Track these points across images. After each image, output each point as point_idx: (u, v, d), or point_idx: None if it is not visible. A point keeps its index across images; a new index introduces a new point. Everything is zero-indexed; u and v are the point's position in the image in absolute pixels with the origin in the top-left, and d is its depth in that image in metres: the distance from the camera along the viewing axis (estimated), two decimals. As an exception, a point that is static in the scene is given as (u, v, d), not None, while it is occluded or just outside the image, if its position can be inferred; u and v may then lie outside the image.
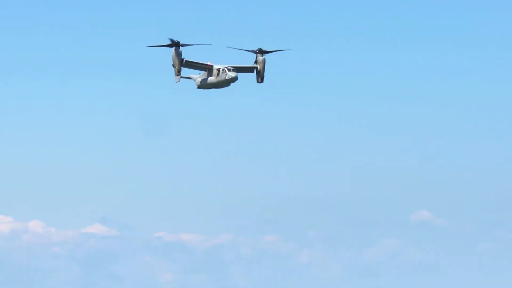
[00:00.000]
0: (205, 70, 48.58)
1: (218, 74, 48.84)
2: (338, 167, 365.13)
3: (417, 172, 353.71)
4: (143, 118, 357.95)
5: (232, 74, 47.40)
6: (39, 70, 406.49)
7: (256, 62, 47.23)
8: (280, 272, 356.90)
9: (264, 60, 46.18)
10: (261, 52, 47.06)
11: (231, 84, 47.66)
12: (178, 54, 46.26)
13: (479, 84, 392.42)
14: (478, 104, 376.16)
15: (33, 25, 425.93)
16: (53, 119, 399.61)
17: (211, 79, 47.87)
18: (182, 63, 46.37)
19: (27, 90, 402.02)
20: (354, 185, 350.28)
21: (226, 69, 47.96)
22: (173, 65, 47.08)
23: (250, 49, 45.36)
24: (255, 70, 47.14)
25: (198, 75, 48.13)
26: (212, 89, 47.68)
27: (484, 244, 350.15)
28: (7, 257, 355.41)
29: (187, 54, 44.86)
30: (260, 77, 46.26)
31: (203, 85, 47.87)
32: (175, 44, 44.77)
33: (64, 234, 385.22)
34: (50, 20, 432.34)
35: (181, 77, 47.44)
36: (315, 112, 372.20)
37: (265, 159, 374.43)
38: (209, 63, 46.69)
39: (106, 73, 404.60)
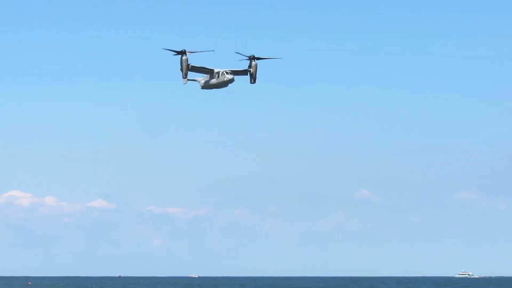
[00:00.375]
0: (208, 73, 56.51)
1: (218, 77, 56.97)
2: (297, 153, 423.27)
3: (358, 158, 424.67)
4: (152, 114, 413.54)
5: (229, 76, 56.56)
6: (64, 74, 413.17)
7: (249, 66, 54.64)
8: (247, 239, 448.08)
9: (256, 65, 54.89)
10: (254, 58, 53.04)
11: (229, 84, 56.30)
12: (185, 60, 53.16)
13: (405, 84, 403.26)
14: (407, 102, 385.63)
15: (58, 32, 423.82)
16: (68, 115, 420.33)
17: (213, 80, 56.73)
18: (188, 68, 54.01)
19: (55, 91, 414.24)
20: (308, 168, 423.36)
21: (224, 72, 56.67)
22: (181, 70, 53.82)
23: (245, 56, 49.76)
24: (248, 73, 55.01)
25: (201, 78, 55.61)
26: (214, 89, 56.56)
27: (413, 217, 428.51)
28: (27, 225, 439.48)
29: (192, 60, 53.26)
30: (253, 79, 52.27)
31: (206, 85, 57.16)
32: (182, 53, 50.51)
33: (73, 207, 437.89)
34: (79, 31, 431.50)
35: (188, 79, 55.08)
36: (287, 108, 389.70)
37: (239, 147, 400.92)
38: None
39: (123, 75, 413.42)
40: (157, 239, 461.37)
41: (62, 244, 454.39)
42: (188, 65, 56.05)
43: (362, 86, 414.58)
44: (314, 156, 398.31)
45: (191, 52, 55.16)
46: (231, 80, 58.10)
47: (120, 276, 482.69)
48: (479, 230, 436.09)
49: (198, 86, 59.09)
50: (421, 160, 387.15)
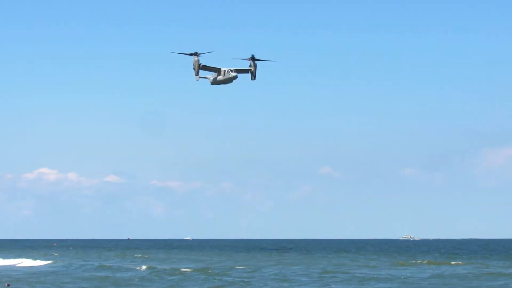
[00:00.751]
0: (216, 72, 55.25)
1: (224, 74, 54.96)
2: (272, 137, 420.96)
3: (321, 140, 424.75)
4: (167, 105, 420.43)
5: (233, 74, 53.85)
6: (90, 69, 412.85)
7: (250, 66, 53.48)
8: (232, 207, 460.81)
9: (256, 65, 53.05)
10: (253, 59, 53.57)
11: (233, 81, 54.25)
12: (197, 60, 52.55)
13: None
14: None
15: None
16: (87, 105, 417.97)
17: (220, 77, 54.37)
18: (199, 67, 52.78)
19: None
20: (281, 149, 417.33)
21: (229, 70, 54.26)
22: (194, 68, 53.41)
23: (248, 57, 51.83)
24: (249, 71, 53.23)
25: (211, 75, 54.59)
26: (221, 85, 54.63)
27: (366, 189, 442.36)
28: (53, 196, 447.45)
29: (202, 61, 51.31)
30: (253, 76, 52.34)
31: (214, 82, 54.51)
32: (195, 54, 51.16)
33: (91, 181, 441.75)
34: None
35: (200, 77, 53.78)
36: (275, 100, 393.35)
37: (232, 132, 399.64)
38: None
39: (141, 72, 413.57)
40: (159, 208, 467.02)
41: (81, 212, 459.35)
42: (200, 64, 54.30)
43: (321, 71, 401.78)
44: (285, 139, 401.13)
45: (202, 53, 53.67)
46: (235, 77, 55.99)
47: (128, 238, 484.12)
48: (419, 200, 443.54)
49: (208, 82, 56.69)
50: (372, 142, 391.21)
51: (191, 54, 53.58)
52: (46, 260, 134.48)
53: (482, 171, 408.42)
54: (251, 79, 55.16)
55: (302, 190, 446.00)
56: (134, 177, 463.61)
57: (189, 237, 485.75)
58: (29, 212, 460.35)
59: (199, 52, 53.67)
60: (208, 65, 54.82)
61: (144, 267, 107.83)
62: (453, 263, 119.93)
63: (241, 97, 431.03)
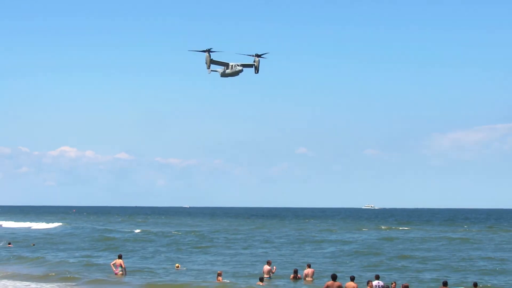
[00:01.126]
0: (224, 66, 54.90)
1: (231, 68, 54.41)
2: (256, 120, 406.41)
3: (297, 124, 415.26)
4: (179, 94, 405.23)
5: (239, 68, 52.82)
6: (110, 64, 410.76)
7: (254, 61, 53.37)
8: (222, 181, 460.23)
9: (259, 60, 52.54)
10: (257, 55, 53.38)
11: (240, 74, 54.02)
12: (208, 56, 52.22)
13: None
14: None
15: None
16: (101, 92, 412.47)
17: (228, 71, 53.48)
18: (211, 62, 52.51)
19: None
20: (263, 132, 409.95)
21: (236, 65, 53.52)
22: (206, 63, 53.12)
23: (253, 54, 52.10)
24: (254, 66, 53.02)
25: (220, 69, 54.09)
26: (229, 77, 54.28)
27: (335, 166, 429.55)
28: (73, 170, 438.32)
29: (213, 56, 51.44)
30: (257, 70, 51.91)
31: (223, 75, 53.68)
32: (208, 51, 51.07)
33: (105, 158, 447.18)
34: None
35: (211, 70, 53.68)
36: (272, 91, 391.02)
37: (229, 117, 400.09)
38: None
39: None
40: (161, 180, 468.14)
41: (97, 184, 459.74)
42: (211, 59, 53.22)
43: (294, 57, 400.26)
44: (268, 123, 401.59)
45: (213, 51, 52.55)
46: (241, 71, 54.56)
47: (136, 206, 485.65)
48: (379, 175, 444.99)
49: (218, 75, 54.96)
50: (340, 127, 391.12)
51: (204, 51, 52.53)
52: (59, 223, 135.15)
53: (431, 152, 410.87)
54: (255, 72, 54.11)
55: (282, 167, 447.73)
56: (141, 154, 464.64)
57: (186, 205, 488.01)
58: (53, 183, 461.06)
59: (211, 49, 52.63)
60: (218, 60, 53.62)
61: (137, 230, 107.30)
62: (406, 228, 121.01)
63: (241, 88, 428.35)
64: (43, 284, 42.78)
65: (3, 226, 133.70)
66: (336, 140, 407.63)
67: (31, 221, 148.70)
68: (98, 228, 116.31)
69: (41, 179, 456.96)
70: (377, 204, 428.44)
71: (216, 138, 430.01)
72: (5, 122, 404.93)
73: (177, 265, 50.30)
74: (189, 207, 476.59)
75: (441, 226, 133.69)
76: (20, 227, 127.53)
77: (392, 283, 36.21)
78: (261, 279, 40.49)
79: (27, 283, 43.50)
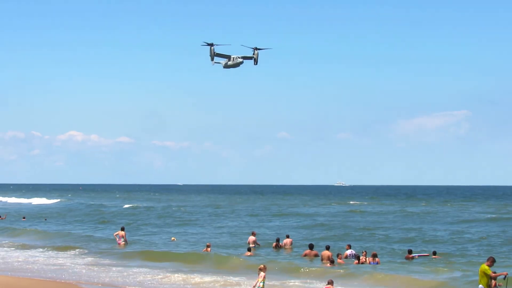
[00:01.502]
0: (227, 58, 53.49)
1: (233, 60, 52.97)
2: (242, 106, 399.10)
3: (279, 110, 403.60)
4: (185, 82, 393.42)
5: (240, 60, 51.27)
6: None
7: (253, 54, 51.93)
8: (212, 162, 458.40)
9: (258, 53, 51.24)
10: (256, 48, 52.04)
11: (240, 65, 52.65)
12: (212, 49, 50.95)
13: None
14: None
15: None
16: (112, 77, 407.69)
17: (229, 63, 51.90)
18: (214, 54, 51.10)
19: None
20: (249, 116, 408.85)
21: (237, 57, 52.23)
22: (210, 55, 51.99)
23: (252, 47, 50.62)
24: (253, 58, 51.59)
25: (223, 61, 52.46)
26: (231, 68, 52.63)
27: (312, 149, 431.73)
28: (80, 152, 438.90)
29: (217, 49, 50.08)
30: (256, 62, 50.51)
31: (226, 66, 52.04)
32: (211, 44, 49.93)
33: (107, 141, 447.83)
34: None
35: (215, 62, 52.24)
36: (267, 81, 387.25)
37: (224, 104, 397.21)
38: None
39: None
40: (158, 161, 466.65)
41: (101, 164, 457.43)
42: (214, 52, 51.78)
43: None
44: (253, 110, 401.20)
45: (216, 44, 51.28)
46: (241, 63, 53.04)
47: (135, 184, 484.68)
48: (351, 156, 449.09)
49: (221, 66, 53.38)
50: (317, 113, 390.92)
51: (208, 45, 51.37)
52: (57, 199, 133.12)
53: (397, 136, 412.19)
54: (254, 64, 52.72)
55: (265, 149, 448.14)
56: (139, 138, 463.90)
57: (180, 183, 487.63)
58: (61, 164, 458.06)
59: (214, 43, 51.46)
60: (221, 53, 52.16)
61: (127, 205, 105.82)
62: (372, 202, 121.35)
63: (256, 77, 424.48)
64: (52, 253, 42.12)
65: (8, 202, 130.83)
66: (313, 125, 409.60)
67: (34, 197, 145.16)
68: (92, 203, 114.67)
69: (51, 160, 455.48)
70: (347, 182, 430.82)
71: (207, 123, 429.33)
72: (19, 109, 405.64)
73: (173, 238, 49.68)
74: (183, 184, 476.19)
75: (403, 200, 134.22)
76: (21, 203, 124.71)
77: (363, 252, 35.92)
78: (249, 249, 40.05)
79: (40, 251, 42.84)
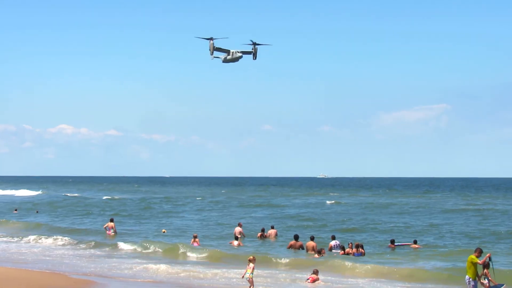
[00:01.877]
0: (226, 52, 52.41)
1: (232, 54, 51.96)
2: (226, 100, 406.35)
3: (265, 105, 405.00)
4: (185, 78, 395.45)
5: (239, 54, 50.30)
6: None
7: (252, 48, 50.87)
8: (198, 153, 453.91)
9: (256, 48, 50.24)
10: (255, 43, 51.08)
11: (240, 60, 51.56)
12: (212, 44, 49.97)
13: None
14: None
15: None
16: (102, 72, 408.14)
17: (229, 57, 50.93)
18: (214, 49, 49.94)
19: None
20: (234, 110, 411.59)
21: (236, 51, 51.29)
22: (209, 49, 50.93)
23: (251, 42, 49.40)
24: (252, 52, 50.58)
25: (222, 55, 51.46)
26: (230, 63, 51.59)
27: (294, 142, 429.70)
28: (70, 145, 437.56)
29: (216, 44, 49.11)
30: (255, 56, 49.68)
31: (225, 60, 51.02)
32: (210, 38, 49.00)
33: (97, 134, 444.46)
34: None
35: (214, 56, 51.31)
36: (265, 75, 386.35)
37: (203, 96, 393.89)
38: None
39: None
40: (145, 153, 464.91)
41: (90, 157, 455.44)
42: (214, 47, 50.75)
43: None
44: (237, 103, 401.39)
45: (215, 38, 50.17)
46: (241, 57, 52.08)
47: (123, 176, 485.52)
48: (333, 149, 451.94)
49: (220, 60, 52.37)
50: (299, 106, 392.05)
51: (207, 39, 50.41)
52: (38, 191, 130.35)
53: (377, 129, 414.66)
54: (253, 58, 51.75)
55: (249, 141, 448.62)
56: (128, 131, 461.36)
57: (167, 175, 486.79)
58: (52, 156, 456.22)
59: (214, 37, 50.49)
60: (220, 47, 51.25)
61: (105, 197, 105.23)
62: (354, 194, 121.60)
63: (255, 72, 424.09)
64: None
65: None
66: (295, 118, 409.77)
67: (22, 188, 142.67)
68: (71, 195, 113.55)
69: (42, 152, 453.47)
70: (329, 174, 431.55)
71: (193, 116, 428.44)
72: (11, 103, 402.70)
73: (163, 230, 49.34)
74: (169, 176, 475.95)
75: (384, 192, 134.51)
76: (4, 195, 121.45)
77: (349, 243, 35.70)
78: (236, 238, 39.96)
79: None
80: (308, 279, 26.62)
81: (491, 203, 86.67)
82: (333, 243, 36.54)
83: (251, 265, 23.40)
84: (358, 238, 42.55)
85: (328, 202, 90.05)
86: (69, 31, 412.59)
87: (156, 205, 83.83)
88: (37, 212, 71.14)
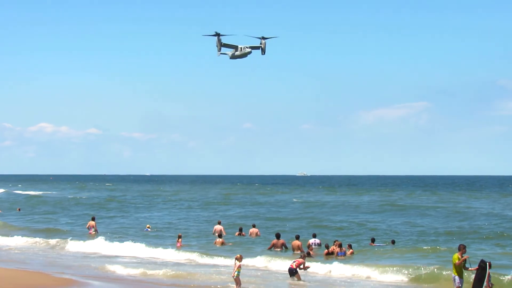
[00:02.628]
0: (234, 48, 51.07)
1: (241, 50, 50.86)
2: (209, 99, 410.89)
3: (246, 103, 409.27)
4: (191, 75, 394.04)
5: (248, 50, 49.61)
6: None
7: (261, 43, 49.77)
8: (179, 152, 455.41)
9: (265, 43, 49.18)
10: (263, 38, 49.97)
11: (248, 55, 50.44)
12: (219, 40, 48.86)
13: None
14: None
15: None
16: (83, 69, 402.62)
17: (237, 53, 49.72)
18: (221, 45, 48.84)
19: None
20: (215, 109, 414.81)
21: (245, 47, 50.14)
22: (216, 46, 49.80)
23: (259, 36, 48.45)
24: (260, 48, 49.44)
25: (229, 51, 50.23)
26: (238, 59, 50.48)
27: (276, 140, 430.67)
28: (50, 144, 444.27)
29: (224, 39, 48.00)
30: (263, 51, 48.74)
31: (233, 56, 49.96)
32: (218, 34, 47.78)
33: (77, 133, 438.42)
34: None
35: (221, 53, 50.21)
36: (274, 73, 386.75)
37: (185, 94, 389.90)
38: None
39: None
40: (127, 152, 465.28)
41: (71, 155, 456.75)
42: (221, 43, 49.39)
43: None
44: (219, 100, 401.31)
45: (223, 34, 48.94)
46: (250, 52, 50.65)
47: (105, 174, 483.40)
48: (314, 147, 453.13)
49: (227, 57, 50.99)
50: (280, 105, 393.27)
51: (214, 35, 49.01)
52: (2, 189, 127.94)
53: (358, 127, 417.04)
54: (262, 54, 50.21)
55: (230, 140, 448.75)
56: (108, 129, 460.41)
57: (148, 173, 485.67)
58: (32, 155, 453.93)
59: (221, 33, 49.05)
60: (228, 43, 49.79)
61: (71, 196, 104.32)
62: (331, 193, 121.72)
63: (265, 68, 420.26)
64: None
65: None
66: (277, 116, 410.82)
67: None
68: (35, 194, 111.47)
69: (22, 151, 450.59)
70: (310, 172, 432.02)
71: (174, 115, 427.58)
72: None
73: (147, 225, 48.98)
74: (150, 174, 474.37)
75: (365, 190, 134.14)
76: None
77: (334, 241, 35.35)
78: (219, 236, 39.66)
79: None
80: (294, 261, 26.38)
81: (453, 200, 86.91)
82: (311, 241, 36.40)
83: (238, 263, 23.24)
84: (338, 237, 42.52)
85: (295, 200, 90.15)
86: (49, 28, 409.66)
87: (133, 202, 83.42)
88: (18, 209, 70.11)
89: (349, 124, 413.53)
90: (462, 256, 21.57)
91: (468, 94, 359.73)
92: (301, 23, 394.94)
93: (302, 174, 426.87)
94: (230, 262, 29.07)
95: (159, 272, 27.98)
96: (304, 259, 26.65)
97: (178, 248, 36.57)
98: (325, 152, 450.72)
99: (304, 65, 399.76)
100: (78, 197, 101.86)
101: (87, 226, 46.38)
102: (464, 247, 21.77)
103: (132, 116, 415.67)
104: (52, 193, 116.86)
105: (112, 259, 33.60)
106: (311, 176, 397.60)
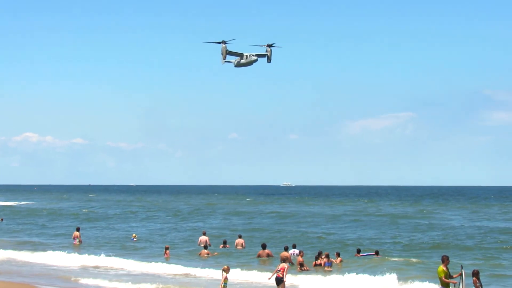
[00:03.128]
0: (239, 56, 49.81)
1: (246, 58, 49.60)
2: (198, 109, 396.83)
3: (229, 113, 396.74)
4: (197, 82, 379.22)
5: (254, 58, 48.44)
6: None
7: (266, 51, 48.56)
8: (165, 162, 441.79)
9: (271, 50, 47.88)
10: (269, 45, 48.59)
11: (254, 63, 49.18)
12: (224, 47, 47.65)
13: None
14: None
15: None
16: (70, 79, 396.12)
17: (242, 61, 48.52)
18: (226, 52, 47.72)
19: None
20: (198, 119, 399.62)
21: (251, 55, 48.92)
22: (222, 53, 48.52)
23: (264, 44, 47.18)
24: (266, 55, 48.17)
25: (234, 59, 49.02)
26: (243, 67, 49.06)
27: (261, 150, 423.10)
28: (35, 153, 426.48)
29: (229, 47, 46.82)
30: (269, 59, 47.53)
31: (238, 64, 48.65)
32: (223, 42, 46.71)
33: (63, 142, 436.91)
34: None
35: (226, 61, 49.03)
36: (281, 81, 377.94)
37: (173, 104, 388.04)
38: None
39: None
40: (112, 162, 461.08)
41: (56, 165, 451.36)
42: (227, 50, 48.29)
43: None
44: (204, 110, 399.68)
45: (228, 41, 47.86)
46: (256, 60, 49.46)
47: (90, 184, 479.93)
48: (300, 157, 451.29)
49: (232, 65, 49.72)
50: (267, 115, 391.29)
51: (219, 42, 48.04)
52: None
53: (344, 137, 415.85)
54: (268, 62, 49.07)
55: (217, 150, 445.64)
56: (94, 139, 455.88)
57: (133, 184, 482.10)
58: (17, 164, 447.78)
59: (225, 40, 47.96)
60: (233, 50, 48.68)
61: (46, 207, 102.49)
62: (313, 203, 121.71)
63: (270, 76, 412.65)
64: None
65: None
66: (264, 127, 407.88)
67: None
68: (3, 204, 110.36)
69: (6, 161, 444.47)
70: (295, 182, 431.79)
71: (160, 124, 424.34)
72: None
73: (134, 234, 48.66)
74: (136, 185, 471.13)
75: (350, 201, 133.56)
76: None
77: (324, 252, 35.25)
78: (205, 247, 39.44)
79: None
80: (279, 270, 25.37)
81: (436, 211, 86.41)
82: (291, 251, 36.11)
83: (225, 274, 23.15)
84: (325, 247, 42.53)
85: (290, 211, 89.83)
86: (34, 37, 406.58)
87: (93, 214, 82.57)
88: (1, 220, 69.54)
89: (335, 134, 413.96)
90: (446, 268, 21.29)
91: (454, 104, 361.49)
92: (287, 34, 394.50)
93: (287, 185, 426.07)
94: (217, 273, 28.89)
95: (151, 286, 27.75)
96: (286, 262, 26.56)
97: (166, 260, 36.34)
98: (311, 163, 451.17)
99: (291, 75, 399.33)
100: (56, 208, 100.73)
101: (72, 237, 46.08)
102: (447, 258, 21.42)
103: (118, 126, 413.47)
104: (28, 203, 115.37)
105: (96, 270, 33.27)
106: (296, 187, 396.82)
